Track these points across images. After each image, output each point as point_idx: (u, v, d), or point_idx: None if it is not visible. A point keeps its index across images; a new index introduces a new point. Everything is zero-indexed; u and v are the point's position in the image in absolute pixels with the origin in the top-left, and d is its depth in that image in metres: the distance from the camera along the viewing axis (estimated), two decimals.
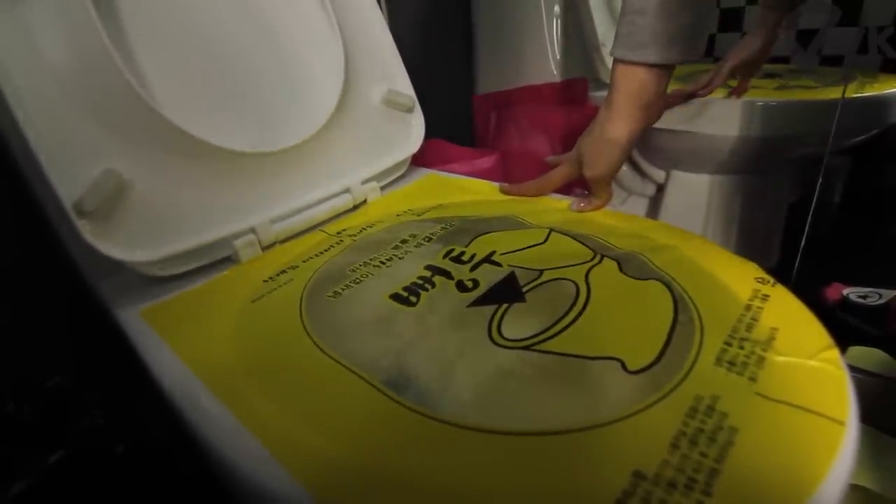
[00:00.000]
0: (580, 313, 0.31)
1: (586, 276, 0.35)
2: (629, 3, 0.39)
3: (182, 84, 0.46)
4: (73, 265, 0.45)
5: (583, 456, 0.23)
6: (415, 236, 0.43)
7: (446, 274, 0.36)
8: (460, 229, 0.43)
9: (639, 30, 0.39)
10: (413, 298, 0.34)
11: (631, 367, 0.27)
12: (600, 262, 0.36)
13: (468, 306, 0.33)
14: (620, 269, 0.35)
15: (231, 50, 0.50)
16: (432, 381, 0.28)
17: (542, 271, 0.36)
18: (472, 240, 0.41)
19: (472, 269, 0.37)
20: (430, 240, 0.42)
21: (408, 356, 0.29)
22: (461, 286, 0.34)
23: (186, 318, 0.37)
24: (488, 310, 0.32)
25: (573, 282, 0.34)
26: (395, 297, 0.34)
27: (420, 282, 0.36)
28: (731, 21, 1.03)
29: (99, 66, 0.37)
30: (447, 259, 0.38)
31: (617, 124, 0.42)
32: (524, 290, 0.34)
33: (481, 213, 0.47)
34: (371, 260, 0.40)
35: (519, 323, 0.31)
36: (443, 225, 0.44)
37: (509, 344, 0.29)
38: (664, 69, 0.41)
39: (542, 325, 0.30)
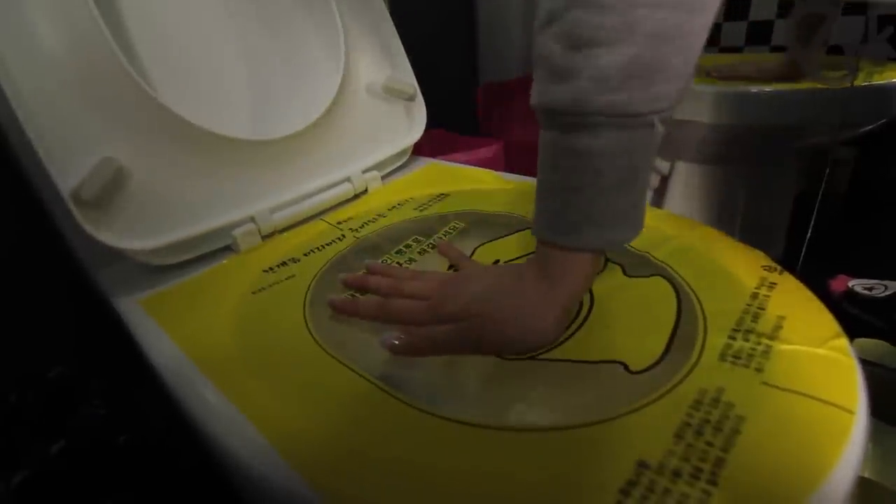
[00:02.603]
0: (583, 323, 0.31)
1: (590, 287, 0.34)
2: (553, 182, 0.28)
3: (180, 72, 0.46)
4: (73, 255, 0.44)
5: (586, 449, 0.22)
6: (419, 241, 0.42)
7: None
8: (463, 233, 0.43)
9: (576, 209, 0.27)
10: None
11: (634, 369, 0.27)
12: (604, 268, 0.36)
13: None
14: (625, 273, 0.35)
15: (230, 37, 0.49)
16: (433, 379, 0.28)
17: None
18: (476, 249, 0.40)
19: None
20: (434, 246, 0.41)
21: (410, 359, 0.29)
22: None
23: (186, 307, 0.37)
24: None
25: None
26: None
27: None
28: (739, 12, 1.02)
29: (97, 55, 0.37)
30: (452, 269, 0.38)
31: (553, 313, 0.29)
32: None
33: (484, 207, 0.47)
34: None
35: None
36: (446, 228, 0.44)
37: (514, 358, 0.29)
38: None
39: None
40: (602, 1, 0.22)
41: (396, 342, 0.29)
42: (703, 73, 0.83)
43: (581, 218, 0.27)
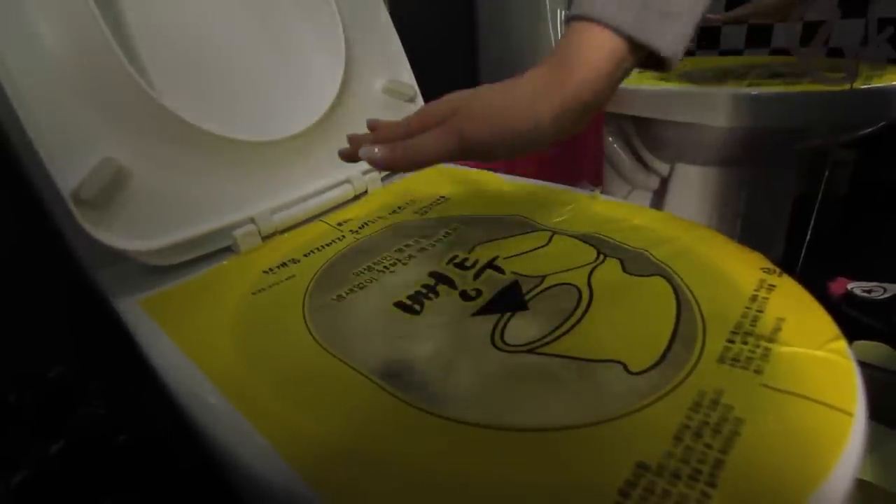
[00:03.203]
0: (582, 316, 0.31)
1: (589, 278, 0.34)
2: None
3: (181, 72, 0.46)
4: (73, 255, 0.44)
5: (585, 451, 0.22)
6: (418, 240, 0.42)
7: (450, 283, 0.36)
8: (463, 235, 0.43)
9: None
10: (417, 307, 0.34)
11: (633, 369, 0.27)
12: (603, 262, 0.36)
13: (472, 315, 0.32)
14: (624, 269, 0.35)
15: (231, 38, 0.49)
16: (434, 379, 0.28)
17: (544, 277, 0.35)
18: (475, 246, 0.40)
19: (476, 276, 0.36)
20: (434, 245, 0.42)
21: (410, 356, 0.29)
22: (465, 296, 0.34)
23: (186, 307, 0.37)
24: (491, 319, 0.32)
25: (575, 286, 0.34)
26: (399, 305, 0.34)
27: (424, 290, 0.35)
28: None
29: (97, 55, 0.37)
30: (451, 265, 0.38)
31: (549, 97, 0.26)
32: (527, 297, 0.33)
33: (484, 210, 0.47)
34: (375, 264, 0.39)
35: (522, 330, 0.30)
36: (446, 229, 0.44)
37: (512, 349, 0.29)
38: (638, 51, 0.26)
39: (544, 331, 0.30)
40: None
41: (377, 151, 0.26)
42: (699, 75, 0.83)
43: None
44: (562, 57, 0.25)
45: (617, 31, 0.25)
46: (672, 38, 0.25)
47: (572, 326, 0.30)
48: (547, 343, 0.29)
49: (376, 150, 0.26)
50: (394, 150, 0.26)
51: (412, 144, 0.26)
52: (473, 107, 0.26)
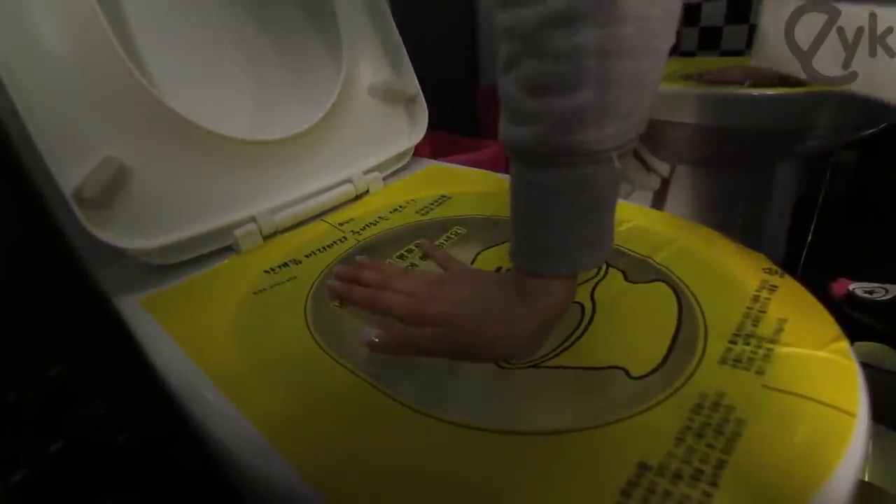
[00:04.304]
0: (585, 330, 0.31)
1: (592, 293, 0.34)
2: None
3: (183, 72, 0.46)
4: (74, 254, 0.44)
5: (586, 452, 0.22)
6: (420, 246, 0.42)
7: None
8: (465, 239, 0.43)
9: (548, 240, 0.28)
10: None
11: (635, 374, 0.27)
12: (606, 274, 0.35)
13: None
14: (626, 278, 0.35)
15: (232, 38, 0.49)
16: (436, 382, 0.28)
17: None
18: (478, 255, 0.40)
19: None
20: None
21: (410, 363, 0.29)
22: None
23: (187, 307, 0.37)
24: None
25: (579, 303, 0.33)
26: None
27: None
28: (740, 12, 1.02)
29: (99, 55, 0.37)
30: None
31: (527, 323, 0.29)
32: None
33: (485, 210, 0.47)
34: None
35: None
36: (447, 234, 0.44)
37: (513, 367, 0.29)
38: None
39: (547, 348, 0.30)
40: (553, 51, 0.23)
41: (376, 339, 0.30)
42: (695, 76, 0.83)
43: (549, 246, 0.28)
44: (528, 295, 0.29)
45: (568, 273, 0.29)
46: (607, 248, 0.30)
47: (575, 341, 0.30)
48: (550, 358, 0.29)
49: (376, 336, 0.30)
50: (392, 341, 0.30)
51: (411, 338, 0.30)
52: (462, 321, 0.30)
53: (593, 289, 0.34)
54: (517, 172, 0.29)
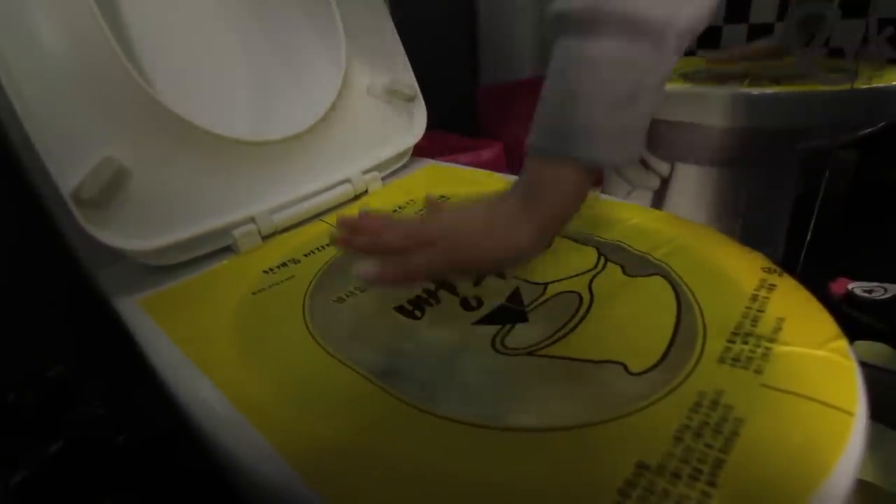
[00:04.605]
0: (582, 319, 0.31)
1: (590, 285, 0.34)
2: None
3: (181, 72, 0.46)
4: (73, 255, 0.44)
5: (585, 450, 0.22)
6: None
7: (451, 287, 0.36)
8: None
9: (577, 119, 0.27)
10: (418, 313, 0.34)
11: (633, 370, 0.27)
12: (604, 267, 0.36)
13: (472, 324, 0.32)
14: (624, 272, 0.35)
15: (231, 38, 0.49)
16: (434, 379, 0.28)
17: (546, 285, 0.35)
18: None
19: (476, 281, 0.36)
20: None
21: (410, 358, 0.29)
22: (466, 304, 0.34)
23: (185, 307, 0.37)
24: (493, 328, 0.32)
25: (577, 293, 0.34)
26: (400, 309, 0.34)
27: (425, 295, 0.35)
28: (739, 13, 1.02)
29: (98, 55, 0.37)
30: None
31: (526, 224, 0.28)
32: (528, 308, 0.33)
33: None
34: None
35: (522, 337, 0.30)
36: None
37: (512, 352, 0.29)
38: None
39: (544, 335, 0.30)
40: None
41: (371, 273, 0.28)
42: (694, 75, 0.83)
43: (578, 128, 0.26)
44: (535, 190, 0.28)
45: (587, 163, 0.27)
46: (630, 152, 0.28)
47: (572, 329, 0.30)
48: (547, 346, 0.29)
49: (370, 269, 0.29)
50: (386, 272, 0.29)
51: (406, 265, 0.29)
52: (459, 234, 0.29)
53: (591, 280, 0.34)
54: (560, 47, 0.27)
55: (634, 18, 0.23)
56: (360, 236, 0.32)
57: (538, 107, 0.28)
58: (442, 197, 0.50)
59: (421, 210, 0.40)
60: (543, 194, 0.28)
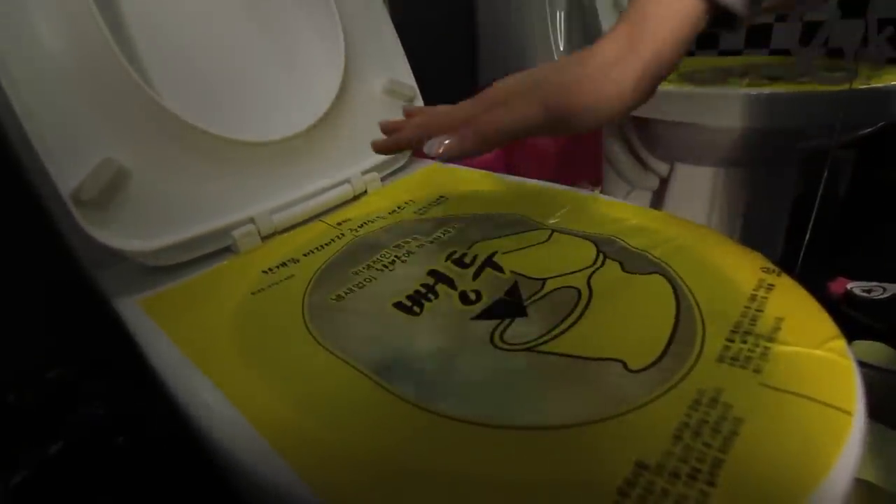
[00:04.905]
0: (581, 315, 0.31)
1: (588, 280, 0.34)
2: None
3: (180, 73, 0.46)
4: (73, 255, 0.44)
5: (584, 449, 0.22)
6: (417, 237, 0.42)
7: (449, 282, 0.36)
8: (462, 232, 0.43)
9: None
10: (416, 308, 0.34)
11: (632, 367, 0.27)
12: (603, 264, 0.36)
13: (471, 319, 0.32)
14: (623, 269, 0.35)
15: (230, 38, 0.49)
16: (433, 377, 0.28)
17: (544, 281, 0.35)
18: (474, 243, 0.40)
19: (475, 275, 0.36)
20: (432, 242, 0.41)
21: (409, 355, 0.29)
22: (464, 298, 0.34)
23: (185, 308, 0.37)
24: (491, 323, 0.32)
25: (576, 288, 0.34)
26: (399, 305, 0.34)
27: (423, 290, 0.35)
28: None
29: (97, 56, 0.37)
30: (449, 262, 0.38)
31: (631, 61, 0.24)
32: (527, 303, 0.33)
33: (483, 209, 0.47)
34: (374, 262, 0.39)
35: (521, 332, 0.31)
36: (445, 227, 0.44)
37: (510, 347, 0.29)
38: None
39: (543, 330, 0.30)
40: None
41: (446, 141, 0.25)
42: (692, 76, 0.83)
43: None
44: (638, 19, 0.24)
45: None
46: None
47: (571, 325, 0.30)
48: (546, 342, 0.29)
49: (445, 141, 0.25)
50: (464, 139, 0.25)
51: (489, 121, 0.25)
52: (555, 79, 0.25)
53: (590, 276, 0.35)
54: None
55: None
56: (415, 121, 0.28)
57: None
58: (441, 197, 0.50)
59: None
60: (646, 20, 0.24)
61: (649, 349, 0.28)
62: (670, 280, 0.33)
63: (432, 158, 0.25)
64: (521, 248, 0.39)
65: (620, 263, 0.36)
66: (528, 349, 0.29)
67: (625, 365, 0.27)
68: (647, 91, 0.25)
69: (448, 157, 0.25)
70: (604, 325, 0.30)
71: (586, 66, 0.25)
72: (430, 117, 0.28)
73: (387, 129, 0.31)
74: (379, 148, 0.29)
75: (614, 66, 0.24)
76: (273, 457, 0.24)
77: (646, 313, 0.31)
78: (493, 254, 0.38)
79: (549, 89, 0.25)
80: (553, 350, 0.28)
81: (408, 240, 0.42)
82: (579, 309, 0.31)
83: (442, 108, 0.28)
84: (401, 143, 0.29)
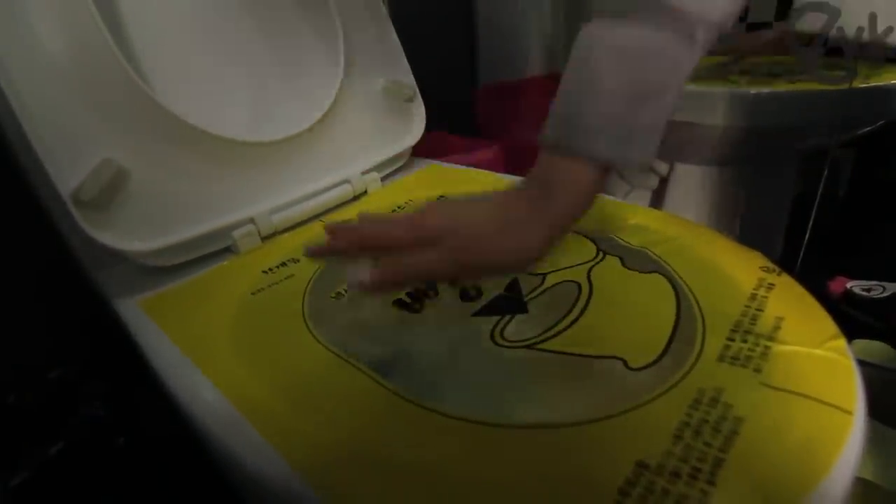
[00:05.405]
0: (582, 312, 0.31)
1: (588, 275, 0.34)
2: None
3: (180, 73, 0.46)
4: (73, 256, 0.44)
5: (585, 448, 0.22)
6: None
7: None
8: None
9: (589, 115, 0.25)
10: (417, 305, 0.34)
11: (633, 366, 0.27)
12: (603, 259, 0.36)
13: (472, 315, 0.32)
14: (623, 265, 0.35)
15: (229, 39, 0.49)
16: (434, 376, 0.28)
17: (544, 276, 0.35)
18: None
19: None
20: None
21: (409, 354, 0.29)
22: (465, 295, 0.34)
23: (185, 308, 0.37)
24: (491, 319, 0.32)
25: (576, 282, 0.34)
26: (399, 302, 0.34)
27: (423, 287, 0.35)
28: None
29: (97, 56, 0.37)
30: None
31: (538, 222, 0.27)
32: (527, 298, 0.33)
33: None
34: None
35: (522, 329, 0.31)
36: None
37: (511, 344, 0.29)
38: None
39: (544, 327, 0.30)
40: None
41: (367, 276, 0.26)
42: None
43: (594, 122, 0.25)
44: (545, 184, 0.26)
45: (604, 162, 0.26)
46: (649, 152, 0.27)
47: (572, 322, 0.30)
48: (547, 339, 0.29)
49: (366, 274, 0.26)
50: (385, 275, 0.26)
51: (408, 267, 0.27)
52: (465, 234, 0.26)
53: (590, 270, 0.35)
54: (581, 38, 0.26)
55: (668, 6, 0.23)
56: (349, 233, 0.29)
57: (556, 100, 0.27)
58: (441, 197, 0.50)
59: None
60: (555, 192, 0.26)
61: (650, 347, 0.28)
62: (670, 279, 0.33)
63: (349, 287, 0.26)
64: None
65: (620, 259, 0.36)
66: (529, 346, 0.29)
67: (625, 363, 0.27)
68: (555, 244, 0.27)
69: (368, 289, 0.27)
70: (604, 322, 0.30)
71: (496, 224, 0.27)
72: (364, 234, 0.29)
73: (329, 229, 0.31)
74: (311, 253, 0.30)
75: (522, 229, 0.26)
76: (273, 456, 0.24)
77: (646, 311, 0.31)
78: None
79: (460, 245, 0.26)
80: (553, 348, 0.28)
81: None
82: (580, 305, 0.31)
83: (377, 227, 0.29)
84: (333, 252, 0.29)
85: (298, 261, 0.41)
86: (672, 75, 0.25)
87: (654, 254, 0.36)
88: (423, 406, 0.25)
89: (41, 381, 0.50)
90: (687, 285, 0.33)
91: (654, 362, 0.27)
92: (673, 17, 0.23)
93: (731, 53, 0.80)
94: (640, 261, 0.35)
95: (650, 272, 0.34)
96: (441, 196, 0.50)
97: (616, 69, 0.24)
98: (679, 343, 0.28)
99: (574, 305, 0.31)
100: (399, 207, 0.49)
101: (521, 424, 0.24)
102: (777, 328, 0.28)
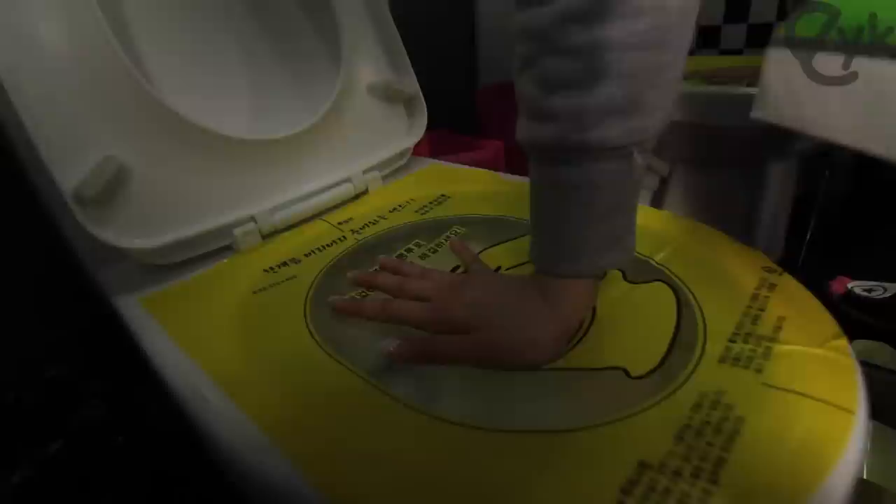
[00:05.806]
0: (585, 333, 0.30)
1: None
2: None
3: (182, 71, 0.46)
4: (73, 254, 0.44)
5: (586, 451, 0.22)
6: (420, 245, 0.42)
7: None
8: (464, 238, 0.42)
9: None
10: None
11: (634, 374, 0.27)
12: (605, 274, 0.35)
13: None
14: (624, 278, 0.35)
15: (232, 37, 0.49)
16: (435, 382, 0.28)
17: None
18: (477, 255, 0.39)
19: None
20: (436, 251, 0.41)
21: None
22: None
23: (186, 306, 0.37)
24: None
25: None
26: None
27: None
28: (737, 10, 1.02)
29: (99, 54, 0.37)
30: (459, 271, 0.38)
31: (552, 334, 0.29)
32: None
33: (484, 210, 0.47)
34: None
35: None
36: (447, 233, 0.43)
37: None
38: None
39: None
40: (571, 47, 0.23)
41: (396, 349, 0.29)
42: (703, 77, 0.83)
43: (571, 246, 0.28)
44: (550, 297, 0.29)
45: (595, 272, 0.29)
46: (630, 248, 0.30)
47: (575, 344, 0.30)
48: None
49: (395, 343, 0.29)
50: (414, 349, 0.29)
51: (436, 347, 0.29)
52: (488, 331, 0.29)
53: None
54: (536, 171, 0.28)
55: (603, 145, 0.25)
56: (367, 304, 0.33)
57: (532, 224, 0.30)
58: (442, 196, 0.50)
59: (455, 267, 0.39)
60: (562, 303, 0.29)
61: (650, 355, 0.27)
62: (672, 285, 0.33)
63: (381, 349, 0.29)
64: (525, 263, 0.37)
65: (622, 273, 0.35)
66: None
67: (626, 372, 0.27)
68: (564, 345, 0.29)
69: (396, 360, 0.29)
70: (606, 336, 0.30)
71: (518, 321, 0.29)
72: (393, 313, 0.32)
73: (358, 282, 0.36)
74: (338, 309, 0.34)
75: (538, 329, 0.28)
76: (273, 454, 0.24)
77: (647, 320, 0.31)
78: (497, 269, 0.37)
79: (484, 340, 0.29)
80: (556, 367, 0.28)
81: (410, 247, 0.42)
82: (583, 328, 0.31)
83: (405, 308, 0.32)
84: (360, 315, 0.33)
85: (300, 261, 0.41)
86: (628, 189, 0.27)
87: (656, 262, 0.36)
88: (425, 412, 0.25)
89: (41, 379, 0.50)
90: (688, 288, 0.32)
91: (655, 369, 0.27)
92: (609, 154, 0.25)
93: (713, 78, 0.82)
94: (641, 271, 0.35)
95: (651, 281, 0.34)
96: (443, 195, 0.50)
97: (575, 201, 0.27)
98: (680, 348, 0.28)
99: (579, 329, 0.31)
100: (400, 207, 0.49)
101: (519, 429, 0.24)
102: (779, 328, 0.28)
